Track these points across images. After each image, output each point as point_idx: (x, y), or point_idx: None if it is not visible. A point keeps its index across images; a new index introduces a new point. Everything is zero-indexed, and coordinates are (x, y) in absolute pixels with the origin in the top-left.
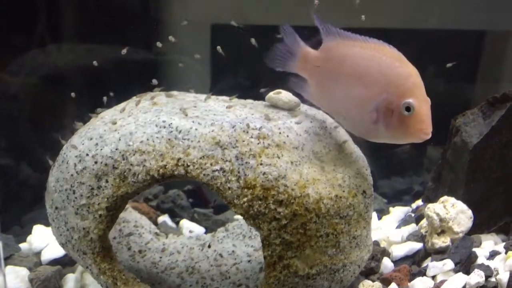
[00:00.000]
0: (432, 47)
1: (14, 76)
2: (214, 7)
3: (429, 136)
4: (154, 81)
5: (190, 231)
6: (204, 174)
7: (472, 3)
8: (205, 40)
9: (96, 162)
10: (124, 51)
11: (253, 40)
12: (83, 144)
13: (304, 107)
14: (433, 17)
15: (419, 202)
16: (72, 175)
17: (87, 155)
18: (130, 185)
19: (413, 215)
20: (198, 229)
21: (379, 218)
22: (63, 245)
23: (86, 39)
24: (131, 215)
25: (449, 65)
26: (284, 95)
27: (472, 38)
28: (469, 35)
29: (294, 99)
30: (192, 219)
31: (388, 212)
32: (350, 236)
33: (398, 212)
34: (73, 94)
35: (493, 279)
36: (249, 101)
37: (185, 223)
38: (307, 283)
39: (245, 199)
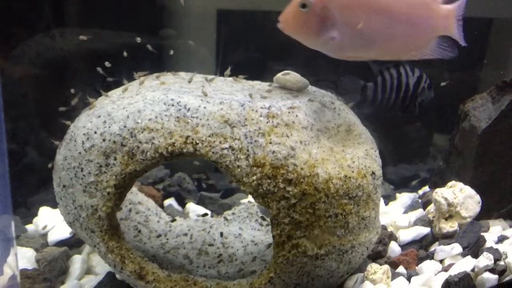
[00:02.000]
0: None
1: (19, 60)
2: None
3: (280, 26)
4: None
5: (197, 215)
6: (213, 152)
7: None
8: (211, 25)
9: (104, 140)
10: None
11: None
12: (91, 122)
13: (312, 88)
14: None
15: (426, 188)
16: (80, 152)
17: (95, 132)
18: (139, 162)
19: (420, 201)
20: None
21: (386, 204)
22: (70, 224)
23: (91, 24)
24: (137, 197)
25: (443, 84)
26: (292, 76)
27: (479, 25)
28: (476, 22)
29: (302, 80)
30: (198, 203)
31: (394, 198)
32: (359, 217)
33: (405, 198)
34: (72, 91)
35: (502, 263)
36: (257, 82)
37: (192, 206)
38: (316, 263)
39: (254, 178)
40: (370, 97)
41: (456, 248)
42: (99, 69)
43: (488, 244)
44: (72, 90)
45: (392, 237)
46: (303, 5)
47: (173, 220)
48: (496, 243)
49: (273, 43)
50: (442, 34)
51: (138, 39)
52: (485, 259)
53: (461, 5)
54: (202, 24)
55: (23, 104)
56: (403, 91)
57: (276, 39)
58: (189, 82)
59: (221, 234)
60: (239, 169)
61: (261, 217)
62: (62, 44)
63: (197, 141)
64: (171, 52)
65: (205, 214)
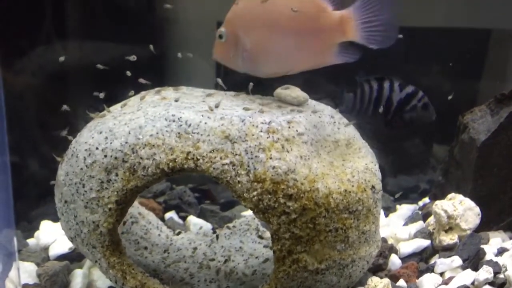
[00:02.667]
0: (437, 46)
1: (20, 73)
2: (220, 3)
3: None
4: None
5: (200, 228)
6: (213, 168)
7: (477, 1)
8: (211, 37)
9: (105, 156)
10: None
11: None
12: (92, 137)
13: (312, 102)
14: (439, 15)
15: (426, 200)
16: (81, 168)
17: (97, 148)
18: (140, 178)
19: (420, 212)
20: (205, 226)
21: (386, 215)
22: (72, 239)
23: (93, 37)
24: (138, 210)
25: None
26: (292, 91)
27: (478, 37)
28: (475, 34)
29: (302, 94)
30: (199, 216)
31: (395, 210)
32: (359, 231)
33: (405, 209)
34: (65, 107)
35: (501, 276)
36: (258, 96)
37: (192, 220)
38: (316, 278)
39: (254, 193)
40: (349, 106)
41: (456, 260)
42: (99, 66)
43: (488, 256)
44: (65, 107)
45: (392, 249)
46: (220, 36)
47: (179, 233)
48: (496, 255)
49: None
50: (343, 40)
51: (134, 57)
52: (485, 272)
53: (358, 8)
54: (202, 36)
55: (24, 117)
56: (384, 105)
57: None
58: (176, 101)
59: (217, 236)
60: (239, 185)
61: (259, 236)
62: (64, 57)
63: (198, 157)
64: (179, 54)
65: (215, 231)
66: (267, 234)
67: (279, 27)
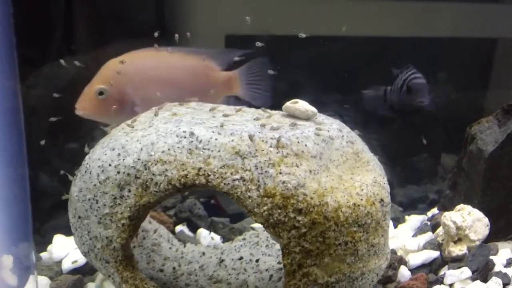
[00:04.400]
0: (444, 55)
1: (31, 88)
2: (229, 18)
3: (78, 112)
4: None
5: (212, 238)
6: (224, 183)
7: (483, 11)
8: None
9: (118, 172)
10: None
11: None
12: (105, 154)
13: (321, 117)
14: (445, 25)
15: (434, 210)
16: (95, 185)
17: (110, 165)
18: (152, 194)
19: (429, 223)
20: (215, 238)
21: (395, 226)
22: (85, 254)
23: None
24: (149, 224)
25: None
26: (301, 105)
27: (484, 46)
28: (481, 43)
29: (311, 108)
30: (209, 228)
31: (404, 221)
32: (368, 244)
33: (414, 220)
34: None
35: (510, 287)
36: (266, 110)
37: (203, 232)
38: None
39: (265, 208)
40: (390, 99)
41: (466, 272)
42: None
43: (497, 267)
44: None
45: (401, 261)
46: (101, 93)
47: (212, 239)
48: (505, 266)
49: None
50: (228, 95)
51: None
52: (494, 284)
53: (243, 71)
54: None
55: (37, 129)
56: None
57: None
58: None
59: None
60: (250, 200)
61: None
62: (72, 71)
63: (209, 173)
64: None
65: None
66: (277, 246)
67: (172, 84)
